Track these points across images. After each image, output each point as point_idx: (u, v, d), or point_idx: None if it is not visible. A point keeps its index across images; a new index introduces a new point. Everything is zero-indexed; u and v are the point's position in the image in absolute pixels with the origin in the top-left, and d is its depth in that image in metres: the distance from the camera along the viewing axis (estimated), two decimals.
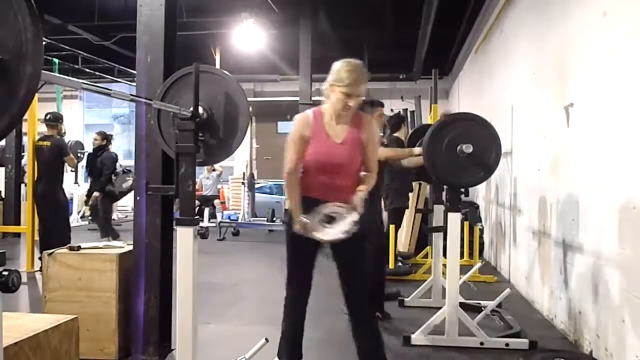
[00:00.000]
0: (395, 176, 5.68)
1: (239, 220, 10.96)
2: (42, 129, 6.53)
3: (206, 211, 11.08)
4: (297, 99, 9.11)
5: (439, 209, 4.87)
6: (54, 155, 6.12)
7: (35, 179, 6.13)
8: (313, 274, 2.90)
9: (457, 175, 3.72)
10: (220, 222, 10.22)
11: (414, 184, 6.56)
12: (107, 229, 7.27)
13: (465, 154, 3.61)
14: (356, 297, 2.80)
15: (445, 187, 4.49)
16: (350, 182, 2.74)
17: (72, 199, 7.42)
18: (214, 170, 11.64)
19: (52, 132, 6.26)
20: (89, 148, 8.69)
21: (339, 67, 2.69)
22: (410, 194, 6.49)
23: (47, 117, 6.30)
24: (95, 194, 7.21)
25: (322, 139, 2.73)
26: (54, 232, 5.95)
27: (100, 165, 7.05)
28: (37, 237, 6.59)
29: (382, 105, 4.37)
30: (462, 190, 3.92)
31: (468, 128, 3.70)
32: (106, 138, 7.46)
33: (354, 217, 2.60)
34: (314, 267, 2.89)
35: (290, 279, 2.91)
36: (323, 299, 5.29)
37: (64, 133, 6.64)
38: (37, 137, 6.27)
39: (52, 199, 6.08)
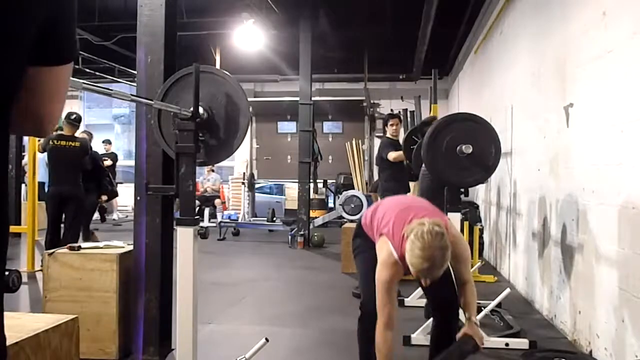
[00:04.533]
0: (389, 177, 5.82)
1: (239, 220, 10.97)
2: None
3: (206, 211, 11.09)
4: (297, 99, 9.12)
5: None
6: (82, 156, 6.09)
7: (55, 179, 6.01)
8: None
9: (457, 175, 3.73)
10: (221, 222, 10.23)
11: (412, 184, 6.56)
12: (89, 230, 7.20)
13: (465, 154, 3.61)
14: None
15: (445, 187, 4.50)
16: None
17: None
18: (212, 171, 11.66)
19: (73, 132, 6.18)
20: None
21: (412, 246, 2.30)
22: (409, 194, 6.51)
23: (73, 116, 6.13)
24: (104, 197, 7.16)
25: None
26: (77, 231, 5.97)
27: (92, 165, 6.86)
28: (38, 237, 6.58)
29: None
30: (462, 190, 3.92)
31: (468, 128, 3.71)
32: (91, 137, 7.39)
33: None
34: None
35: None
36: (322, 298, 5.30)
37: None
38: (54, 136, 6.00)
39: (82, 201, 6.09)
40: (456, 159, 3.64)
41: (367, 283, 2.70)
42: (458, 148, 3.62)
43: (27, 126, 1.02)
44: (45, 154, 6.14)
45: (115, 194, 8.35)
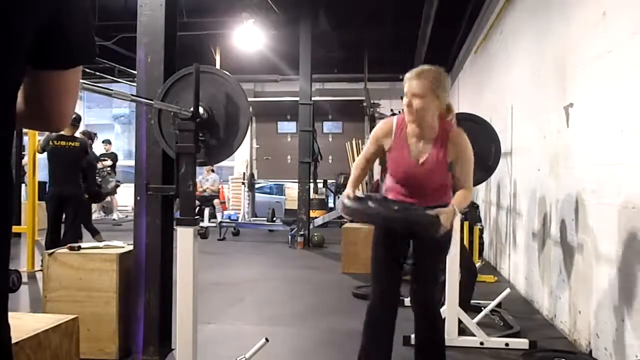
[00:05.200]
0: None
1: (239, 220, 10.97)
2: None
3: (206, 211, 11.10)
4: (297, 99, 9.12)
5: None
6: (81, 156, 6.13)
7: (55, 179, 6.05)
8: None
9: None
10: (221, 222, 10.23)
11: None
12: (93, 229, 7.19)
13: None
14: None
15: None
16: (431, 191, 2.67)
17: None
18: (212, 171, 11.66)
19: (73, 132, 6.21)
20: None
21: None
22: None
23: (73, 116, 6.16)
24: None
25: (403, 156, 2.62)
26: (78, 231, 6.00)
27: (87, 165, 6.85)
28: (38, 237, 6.58)
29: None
30: None
31: (467, 128, 3.71)
32: (91, 137, 7.35)
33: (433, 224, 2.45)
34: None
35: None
36: (322, 298, 5.30)
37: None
38: (54, 136, 6.06)
39: (82, 200, 6.15)
40: None
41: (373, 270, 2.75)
42: None
43: (39, 123, 1.05)
44: (46, 154, 6.15)
45: (99, 197, 8.12)
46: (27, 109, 0.97)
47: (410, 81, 2.51)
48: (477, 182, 3.97)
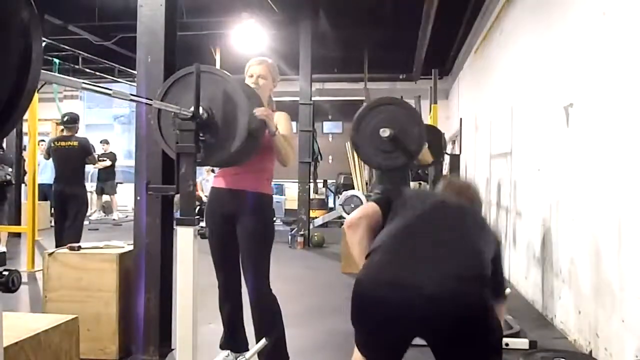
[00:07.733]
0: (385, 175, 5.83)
1: None
2: (42, 129, 6.55)
3: None
4: (297, 99, 9.11)
5: None
6: (81, 155, 6.22)
7: (58, 179, 6.18)
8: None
9: (381, 158, 4.08)
10: None
11: (412, 184, 6.56)
12: None
13: (385, 138, 3.92)
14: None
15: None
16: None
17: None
18: (213, 171, 11.66)
19: (72, 133, 6.30)
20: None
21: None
22: None
23: (65, 118, 6.32)
24: None
25: None
26: (78, 230, 6.09)
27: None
28: (38, 237, 6.61)
29: None
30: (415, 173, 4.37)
31: (389, 112, 4.02)
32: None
33: None
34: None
35: None
36: (322, 298, 5.30)
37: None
38: (55, 138, 6.30)
39: (83, 199, 6.24)
40: (380, 143, 3.96)
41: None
42: (381, 131, 3.93)
43: None
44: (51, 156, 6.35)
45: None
46: None
47: (255, 67, 3.11)
48: (396, 165, 4.18)
